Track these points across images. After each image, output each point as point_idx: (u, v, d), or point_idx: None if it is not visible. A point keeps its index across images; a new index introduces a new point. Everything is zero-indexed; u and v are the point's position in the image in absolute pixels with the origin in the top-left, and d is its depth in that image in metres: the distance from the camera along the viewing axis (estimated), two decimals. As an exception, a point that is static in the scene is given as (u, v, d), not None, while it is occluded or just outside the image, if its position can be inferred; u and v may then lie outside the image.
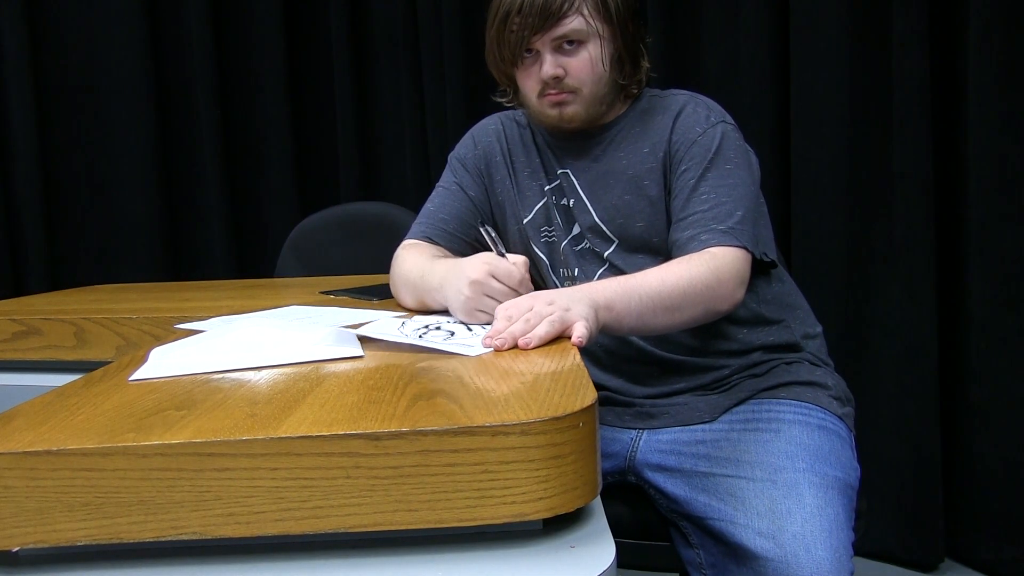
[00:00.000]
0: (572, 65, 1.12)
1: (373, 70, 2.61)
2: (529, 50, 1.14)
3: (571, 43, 1.12)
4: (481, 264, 0.98)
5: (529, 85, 1.16)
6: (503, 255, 1.01)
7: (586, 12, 1.11)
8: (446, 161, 1.36)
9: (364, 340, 0.89)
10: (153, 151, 2.63)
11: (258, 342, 0.88)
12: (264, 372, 0.78)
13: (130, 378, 0.78)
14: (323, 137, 2.66)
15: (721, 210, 1.08)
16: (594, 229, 1.18)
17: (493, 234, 1.09)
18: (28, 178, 2.56)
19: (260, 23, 2.62)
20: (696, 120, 1.15)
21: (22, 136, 2.55)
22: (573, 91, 1.14)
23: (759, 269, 1.16)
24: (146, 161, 2.62)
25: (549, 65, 1.12)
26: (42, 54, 2.59)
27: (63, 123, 2.63)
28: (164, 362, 0.84)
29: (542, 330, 0.86)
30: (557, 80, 1.12)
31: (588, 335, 0.87)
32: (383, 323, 1.02)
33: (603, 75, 1.14)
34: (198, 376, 0.78)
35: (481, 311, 0.98)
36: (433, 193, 1.34)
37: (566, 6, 1.10)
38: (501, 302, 0.95)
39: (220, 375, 0.78)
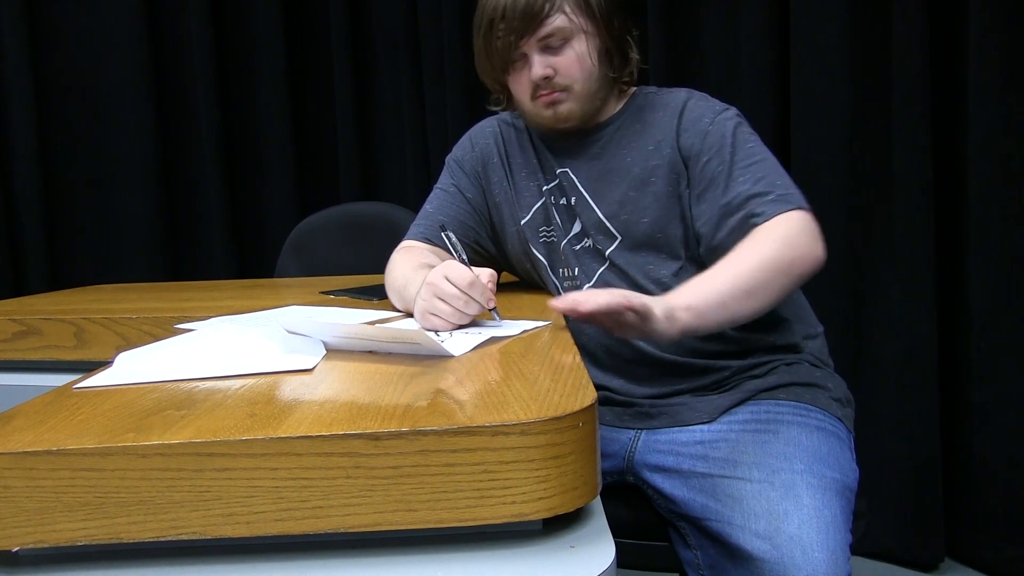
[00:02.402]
0: (560, 63, 1.13)
1: (373, 70, 2.61)
2: (522, 55, 1.14)
3: (558, 42, 1.12)
4: (439, 268, 0.98)
5: (521, 88, 1.17)
6: (465, 263, 1.01)
7: (568, 10, 1.11)
8: (445, 162, 1.36)
9: (331, 349, 0.87)
10: (153, 151, 2.63)
11: (220, 352, 0.88)
12: (262, 376, 0.78)
13: (77, 385, 0.76)
14: (323, 137, 2.66)
15: (763, 184, 1.08)
16: (598, 225, 1.18)
17: (453, 239, 1.09)
18: (28, 178, 2.56)
19: (260, 23, 2.62)
20: (703, 112, 1.15)
21: (22, 136, 2.55)
22: (565, 89, 1.14)
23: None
24: (146, 161, 2.63)
25: (538, 66, 1.13)
26: (42, 54, 2.59)
27: (63, 123, 2.64)
28: (125, 369, 0.83)
29: (602, 299, 0.84)
30: (548, 80, 1.13)
31: (642, 314, 0.88)
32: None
33: (593, 70, 1.14)
34: (155, 384, 0.76)
35: (434, 314, 0.96)
36: (431, 195, 1.34)
37: (548, 6, 1.10)
38: (454, 308, 0.95)
39: (174, 384, 0.76)
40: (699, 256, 1.13)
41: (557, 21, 1.11)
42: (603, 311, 0.85)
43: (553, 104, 1.15)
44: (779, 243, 1.01)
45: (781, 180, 1.08)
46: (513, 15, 1.10)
